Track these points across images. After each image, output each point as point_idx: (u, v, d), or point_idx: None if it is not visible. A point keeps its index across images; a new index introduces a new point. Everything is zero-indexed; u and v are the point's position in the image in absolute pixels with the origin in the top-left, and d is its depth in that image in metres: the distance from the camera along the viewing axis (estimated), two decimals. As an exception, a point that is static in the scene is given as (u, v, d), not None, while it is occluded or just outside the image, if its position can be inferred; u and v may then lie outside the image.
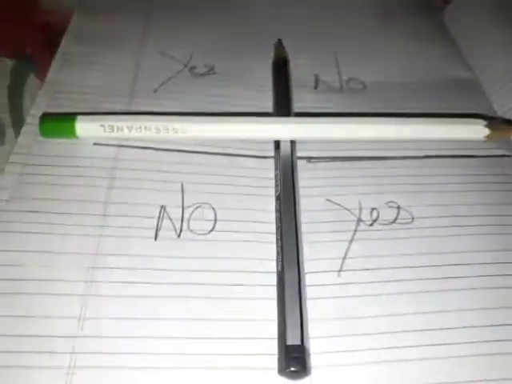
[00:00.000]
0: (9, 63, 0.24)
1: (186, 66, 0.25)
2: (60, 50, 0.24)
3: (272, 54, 0.26)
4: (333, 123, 0.21)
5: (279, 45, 0.26)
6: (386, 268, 0.18)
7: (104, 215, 0.18)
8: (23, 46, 0.25)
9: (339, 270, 0.18)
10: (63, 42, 0.25)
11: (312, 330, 0.16)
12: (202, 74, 0.25)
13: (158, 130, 0.20)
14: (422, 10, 0.31)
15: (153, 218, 0.18)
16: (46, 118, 0.20)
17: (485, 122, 0.21)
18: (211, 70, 0.25)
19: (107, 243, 0.18)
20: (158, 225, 0.18)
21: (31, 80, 0.23)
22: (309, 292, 0.17)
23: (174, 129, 0.20)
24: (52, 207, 0.18)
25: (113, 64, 0.24)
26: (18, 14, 0.26)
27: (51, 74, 0.23)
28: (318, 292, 0.17)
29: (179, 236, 0.18)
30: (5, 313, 0.15)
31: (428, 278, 0.17)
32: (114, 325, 0.16)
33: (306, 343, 0.15)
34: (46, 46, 0.25)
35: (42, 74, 0.23)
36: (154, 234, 0.18)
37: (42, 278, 0.16)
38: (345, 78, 0.26)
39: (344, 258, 0.18)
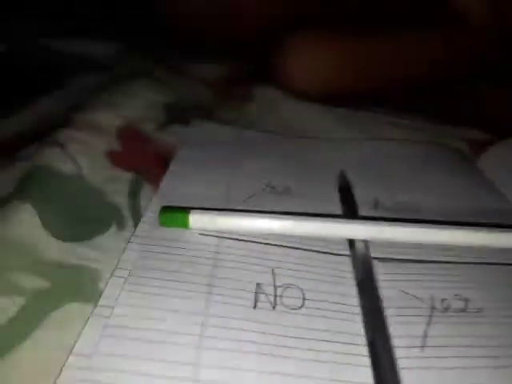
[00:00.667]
0: (128, 174, 0.29)
1: (267, 185, 0.30)
2: (169, 169, 0.30)
3: (337, 182, 0.31)
4: (405, 226, 0.25)
5: (342, 174, 0.32)
6: (463, 346, 0.20)
7: (209, 285, 0.21)
8: (140, 165, 0.31)
9: (422, 346, 0.19)
10: (171, 163, 0.31)
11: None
12: (280, 192, 0.30)
13: (253, 224, 0.24)
14: (459, 158, 0.37)
15: (251, 291, 0.21)
16: (165, 209, 0.25)
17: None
18: (287, 189, 0.30)
19: (214, 307, 0.20)
20: (255, 297, 0.21)
21: (146, 188, 0.29)
22: (399, 362, 0.19)
23: (267, 224, 0.24)
24: (167, 276, 0.21)
25: (211, 181, 0.30)
26: (137, 144, 0.33)
27: (163, 184, 0.29)
28: (405, 363, 0.19)
29: (274, 308, 0.21)
30: (133, 354, 0.18)
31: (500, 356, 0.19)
32: None
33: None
34: (157, 168, 0.31)
35: (154, 186, 0.29)
36: (253, 304, 0.21)
37: (162, 328, 0.19)
38: (400, 203, 0.30)
39: (424, 336, 0.20)
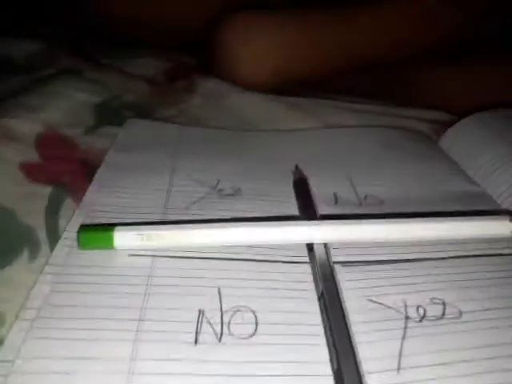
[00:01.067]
0: (47, 189, 0.25)
1: (213, 188, 0.27)
2: (96, 177, 0.26)
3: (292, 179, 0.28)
4: (368, 224, 0.21)
5: (297, 169, 0.29)
6: (443, 364, 0.16)
7: (140, 320, 0.17)
8: (62, 175, 0.26)
9: (398, 369, 0.16)
10: (99, 170, 0.27)
11: None
12: (229, 195, 0.26)
13: (193, 237, 0.20)
14: (420, 140, 0.34)
15: (191, 322, 0.18)
16: (84, 228, 0.21)
17: (510, 217, 0.22)
18: (238, 191, 0.26)
19: (144, 348, 0.16)
20: (197, 329, 0.17)
21: (68, 203, 0.24)
22: (370, 392, 0.15)
23: (210, 235, 0.20)
24: (85, 314, 0.17)
25: (146, 187, 0.26)
26: (59, 152, 0.29)
27: (88, 195, 0.24)
28: (379, 392, 0.15)
29: (220, 340, 0.17)
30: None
31: (484, 372, 0.16)
32: None
33: None
34: (83, 177, 0.27)
35: (78, 199, 0.24)
36: (193, 339, 0.17)
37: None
38: (361, 196, 0.27)
39: (400, 355, 0.17)
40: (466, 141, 0.33)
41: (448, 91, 0.43)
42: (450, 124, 0.35)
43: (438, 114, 0.39)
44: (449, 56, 0.43)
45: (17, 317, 0.17)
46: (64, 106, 0.33)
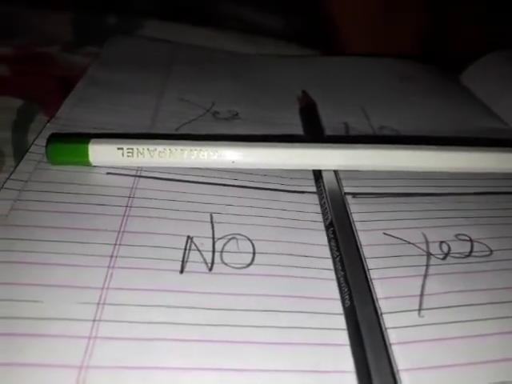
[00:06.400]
0: (16, 102, 0.22)
1: (208, 110, 0.23)
2: (73, 92, 0.23)
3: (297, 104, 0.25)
4: (386, 149, 0.18)
5: (304, 94, 0.25)
6: (469, 305, 0.14)
7: (117, 244, 0.15)
8: (34, 90, 0.23)
9: (419, 309, 0.14)
10: (77, 85, 0.23)
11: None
12: (225, 119, 0.23)
13: (184, 153, 0.17)
14: (440, 75, 0.31)
15: (178, 249, 0.15)
16: (54, 139, 0.17)
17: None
18: (235, 116, 0.23)
19: (120, 276, 0.14)
20: (184, 256, 0.15)
21: (39, 118, 0.21)
22: (391, 336, 0.13)
23: (202, 152, 0.17)
24: (52, 236, 0.14)
25: (130, 106, 0.22)
26: (36, 68, 0.25)
27: (61, 110, 0.21)
28: (400, 336, 0.13)
29: (211, 269, 0.14)
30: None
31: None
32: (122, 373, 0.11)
33: None
34: (59, 94, 0.23)
35: (51, 114, 0.21)
36: (179, 267, 0.14)
37: (41, 316, 0.12)
38: (376, 126, 0.24)
39: (421, 295, 0.14)
40: (489, 77, 0.30)
41: None
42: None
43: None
44: None
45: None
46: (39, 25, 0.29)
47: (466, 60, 0.32)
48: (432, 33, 0.36)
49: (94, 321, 0.12)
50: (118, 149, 0.17)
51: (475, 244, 0.16)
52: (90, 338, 0.12)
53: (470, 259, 0.16)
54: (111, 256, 0.14)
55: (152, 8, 0.38)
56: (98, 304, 0.13)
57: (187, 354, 0.12)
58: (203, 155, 0.17)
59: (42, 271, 0.13)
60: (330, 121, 0.24)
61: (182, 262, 0.14)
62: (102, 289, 0.13)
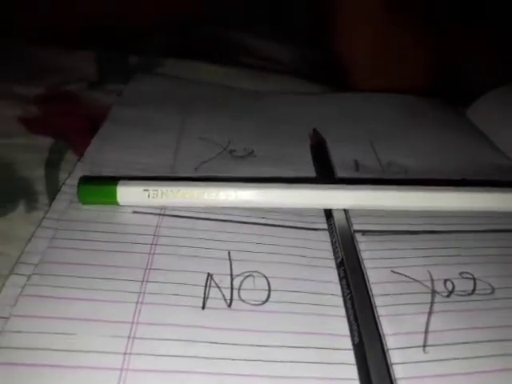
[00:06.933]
0: (48, 141, 0.23)
1: (225, 149, 0.25)
2: (99, 131, 0.24)
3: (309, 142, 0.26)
4: (392, 190, 0.20)
5: (315, 132, 0.27)
6: (473, 342, 0.15)
7: (144, 281, 0.16)
8: (63, 129, 0.25)
9: (424, 346, 0.15)
10: (103, 124, 0.25)
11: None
12: (241, 156, 0.24)
13: (204, 194, 0.19)
14: (447, 109, 0.32)
15: (199, 286, 0.16)
16: (85, 181, 0.19)
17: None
18: (251, 153, 0.25)
19: (147, 312, 0.15)
20: (205, 293, 0.16)
21: (69, 157, 0.23)
22: (396, 371, 0.14)
23: (221, 193, 0.19)
24: (84, 272, 0.16)
25: (153, 144, 0.24)
26: (63, 107, 0.27)
27: (90, 149, 0.23)
28: (406, 371, 0.14)
29: (230, 306, 0.16)
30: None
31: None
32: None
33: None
34: (85, 132, 0.25)
35: (80, 153, 0.23)
36: (201, 303, 0.15)
37: (74, 348, 0.13)
38: (384, 163, 0.25)
39: (426, 332, 0.15)
40: (494, 112, 0.31)
41: None
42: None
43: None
44: None
45: (11, 271, 0.16)
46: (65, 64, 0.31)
47: (476, 94, 0.34)
48: (442, 67, 0.37)
49: (125, 354, 0.13)
50: (144, 190, 0.18)
51: (478, 282, 0.17)
52: (121, 369, 0.13)
53: (473, 297, 0.17)
54: (139, 292, 0.15)
55: (171, 42, 0.40)
56: (129, 337, 0.14)
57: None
58: (222, 196, 0.19)
59: (74, 305, 0.15)
60: (340, 158, 0.25)
61: (204, 298, 0.16)
62: (132, 323, 0.14)
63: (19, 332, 0.14)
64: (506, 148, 0.28)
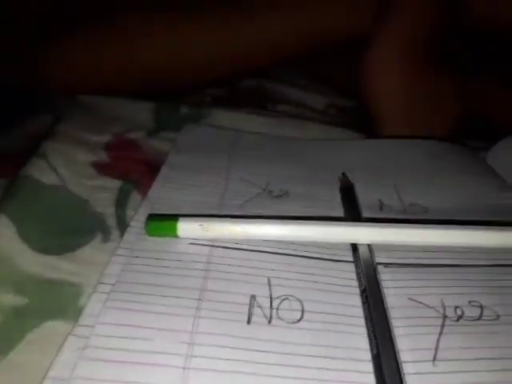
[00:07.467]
0: (116, 183, 0.28)
1: (264, 189, 0.29)
2: (160, 174, 0.29)
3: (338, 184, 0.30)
4: (412, 228, 0.23)
5: (344, 175, 0.30)
6: (477, 359, 0.18)
7: (200, 299, 0.19)
8: (128, 172, 0.29)
9: (433, 360, 0.17)
10: (162, 169, 0.29)
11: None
12: (278, 196, 0.28)
13: (247, 229, 0.22)
14: (466, 154, 0.35)
15: (244, 304, 0.20)
16: (152, 217, 0.23)
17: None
18: (286, 194, 0.28)
19: (203, 323, 0.18)
20: (249, 311, 0.19)
21: (134, 196, 0.27)
22: (407, 379, 0.17)
23: (262, 229, 0.22)
24: (153, 291, 0.20)
25: (205, 186, 0.28)
26: (125, 153, 0.32)
27: (152, 190, 0.27)
28: (415, 380, 0.17)
29: (270, 322, 0.19)
30: (115, 378, 0.16)
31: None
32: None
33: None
34: (146, 174, 0.29)
35: (143, 192, 0.27)
36: (246, 319, 0.19)
37: (147, 349, 0.17)
38: (406, 204, 0.28)
39: (436, 348, 0.18)
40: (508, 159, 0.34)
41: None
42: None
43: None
44: None
45: (95, 290, 0.20)
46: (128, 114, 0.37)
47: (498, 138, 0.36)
48: (468, 117, 0.40)
49: (186, 355, 0.17)
50: (199, 225, 0.22)
51: (485, 309, 0.20)
52: (184, 368, 0.17)
53: (479, 322, 0.19)
54: (197, 308, 0.19)
55: (217, 93, 0.45)
56: (189, 344, 0.17)
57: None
58: (262, 230, 0.22)
59: (145, 317, 0.18)
60: (366, 198, 0.28)
61: (248, 314, 0.19)
62: (191, 332, 0.18)
63: (104, 336, 0.18)
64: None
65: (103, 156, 0.31)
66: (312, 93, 0.48)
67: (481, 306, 0.20)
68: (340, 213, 0.27)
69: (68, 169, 0.28)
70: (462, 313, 0.20)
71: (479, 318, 0.19)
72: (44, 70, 0.40)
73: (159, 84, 0.42)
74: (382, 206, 0.28)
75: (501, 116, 0.42)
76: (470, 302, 0.20)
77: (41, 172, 0.27)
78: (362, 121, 0.41)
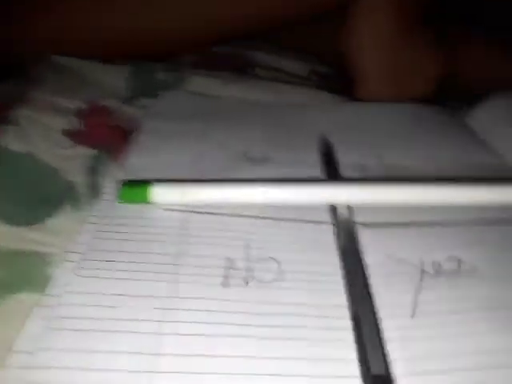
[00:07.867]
0: (90, 151, 0.27)
1: (244, 155, 0.28)
2: (134, 141, 0.28)
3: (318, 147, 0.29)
4: (390, 187, 0.22)
5: (323, 138, 0.29)
6: (455, 312, 0.18)
7: (174, 264, 0.19)
8: (103, 140, 0.28)
9: (412, 315, 0.17)
10: (136, 135, 0.28)
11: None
12: (258, 161, 0.27)
13: (224, 194, 0.22)
14: (446, 115, 0.35)
15: (220, 267, 0.19)
16: (125, 184, 0.22)
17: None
18: (265, 158, 0.28)
19: (177, 288, 0.18)
20: (226, 273, 0.19)
21: (108, 164, 0.26)
22: (387, 335, 0.16)
23: (239, 193, 0.22)
24: (125, 257, 0.19)
25: (180, 151, 0.27)
26: (99, 120, 0.31)
27: (126, 157, 0.26)
28: (394, 335, 0.17)
29: (247, 283, 0.18)
30: (84, 347, 0.16)
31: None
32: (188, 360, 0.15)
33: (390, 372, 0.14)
34: (120, 142, 0.28)
35: (117, 160, 0.26)
36: (222, 281, 0.18)
37: (118, 317, 0.17)
38: (387, 164, 0.28)
39: (414, 303, 0.18)
40: (490, 117, 0.33)
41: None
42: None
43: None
44: None
45: (63, 259, 0.19)
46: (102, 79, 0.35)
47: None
48: (448, 78, 0.39)
49: (160, 322, 0.17)
50: (176, 191, 0.22)
51: (463, 264, 0.20)
52: (156, 333, 0.16)
53: (457, 275, 0.19)
54: (170, 273, 0.18)
55: (195, 59, 0.44)
56: (163, 309, 0.17)
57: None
58: (240, 194, 0.22)
59: (116, 284, 0.18)
60: (346, 160, 0.28)
61: (224, 277, 0.19)
62: (165, 297, 0.17)
63: (73, 305, 0.17)
64: (500, 149, 0.30)
65: (76, 123, 0.30)
66: (293, 59, 0.47)
67: (459, 261, 0.20)
68: (320, 175, 0.26)
69: (39, 136, 0.27)
70: (440, 267, 0.19)
71: (457, 271, 0.19)
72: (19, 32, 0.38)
73: (134, 50, 0.40)
74: (362, 167, 0.27)
75: (474, 76, 0.42)
76: (448, 257, 0.20)
77: (9, 139, 0.26)
78: (343, 87, 0.40)
